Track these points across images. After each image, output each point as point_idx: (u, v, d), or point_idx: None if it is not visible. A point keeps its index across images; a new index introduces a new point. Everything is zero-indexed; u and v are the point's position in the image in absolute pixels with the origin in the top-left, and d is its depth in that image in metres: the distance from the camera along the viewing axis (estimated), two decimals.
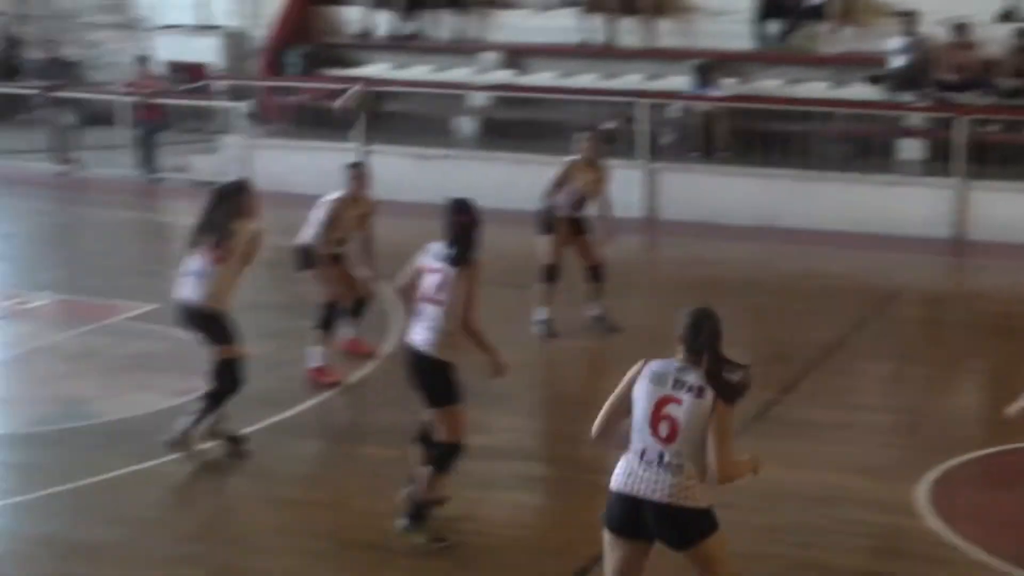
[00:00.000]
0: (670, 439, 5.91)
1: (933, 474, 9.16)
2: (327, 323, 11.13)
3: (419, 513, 7.89)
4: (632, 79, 19.90)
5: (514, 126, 19.21)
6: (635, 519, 6.01)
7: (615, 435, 6.17)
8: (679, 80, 19.28)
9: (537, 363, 11.83)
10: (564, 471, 9.29)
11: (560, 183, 12.54)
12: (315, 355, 11.01)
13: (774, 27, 19.71)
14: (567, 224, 12.51)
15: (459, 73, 20.82)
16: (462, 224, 7.83)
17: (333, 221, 11.07)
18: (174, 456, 9.18)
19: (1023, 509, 8.89)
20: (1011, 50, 17.92)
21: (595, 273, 12.60)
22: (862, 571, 7.93)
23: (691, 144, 18.68)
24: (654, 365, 6.03)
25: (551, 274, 12.42)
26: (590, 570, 7.60)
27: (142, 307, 13.05)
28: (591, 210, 12.65)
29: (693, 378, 5.92)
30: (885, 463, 9.52)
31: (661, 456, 5.92)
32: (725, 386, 5.92)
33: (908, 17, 18.32)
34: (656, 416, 5.92)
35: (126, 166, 20.16)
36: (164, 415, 9.76)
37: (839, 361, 12.05)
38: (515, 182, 18.10)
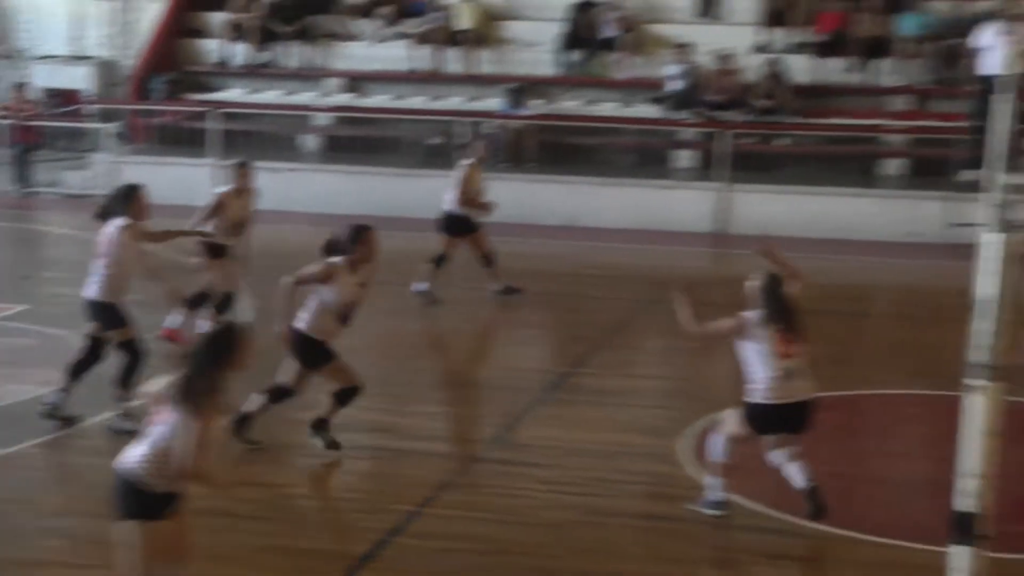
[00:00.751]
0: (157, 422, 5.44)
1: (694, 429, 9.34)
2: (196, 304, 10.92)
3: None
4: (455, 101, 19.97)
5: (353, 142, 19.12)
6: None
7: None
8: (494, 101, 19.39)
9: (365, 348, 11.82)
10: (385, 440, 9.29)
11: (464, 185, 12.96)
12: (175, 320, 10.85)
13: (575, 56, 19.90)
14: (466, 222, 13.04)
15: (305, 97, 20.65)
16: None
17: (220, 209, 10.90)
18: (40, 440, 8.89)
19: (760, 455, 9.18)
20: (764, 76, 18.38)
21: (488, 260, 13.15)
22: (639, 513, 8.01)
23: (504, 156, 18.79)
24: None
25: (441, 262, 13.01)
26: (403, 527, 7.61)
27: (14, 308, 12.59)
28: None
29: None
30: (658, 422, 9.68)
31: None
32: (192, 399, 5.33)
33: (683, 48, 18.69)
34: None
35: (3, 182, 19.54)
36: (32, 404, 9.36)
37: (623, 338, 12.25)
38: (353, 191, 18.10)
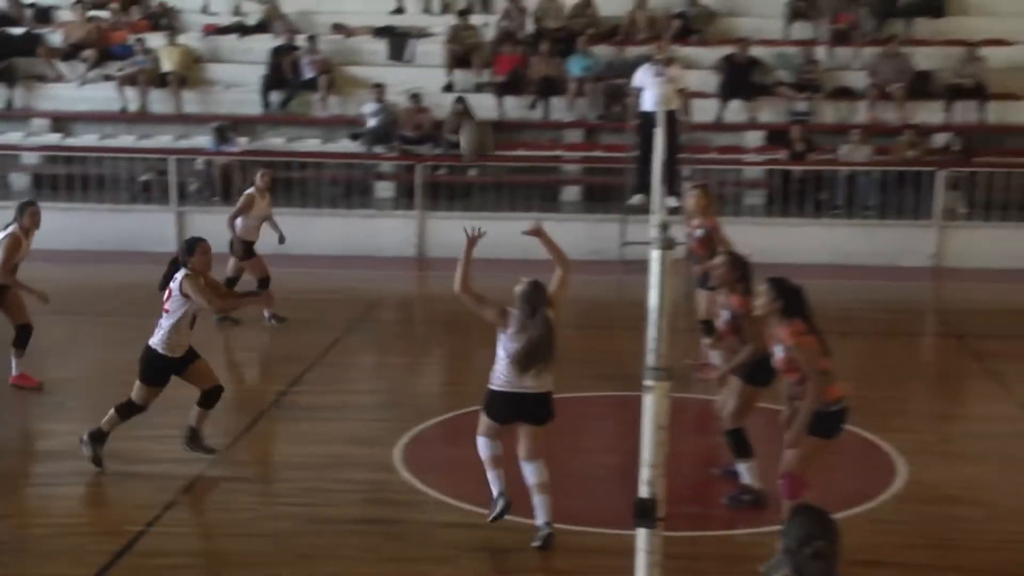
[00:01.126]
0: None
1: (406, 438, 9.43)
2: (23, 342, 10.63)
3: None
4: (164, 139, 19.40)
5: (68, 180, 18.30)
6: None
7: None
8: (202, 139, 18.95)
9: (86, 378, 11.38)
10: (111, 465, 8.93)
11: (243, 211, 12.84)
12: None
13: (277, 96, 19.68)
14: (251, 246, 13.02)
15: (12, 136, 19.60)
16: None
17: (11, 252, 10.24)
18: None
19: (468, 459, 9.33)
20: (452, 113, 18.67)
21: (265, 283, 12.87)
22: (358, 519, 8.00)
23: (213, 191, 18.39)
24: None
25: (262, 284, 12.80)
26: (130, 547, 7.39)
27: None
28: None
29: None
30: (372, 433, 9.69)
31: None
32: None
33: (378, 88, 18.79)
34: None
35: None
36: None
37: (335, 356, 12.17)
38: (68, 227, 17.30)
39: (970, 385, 11.76)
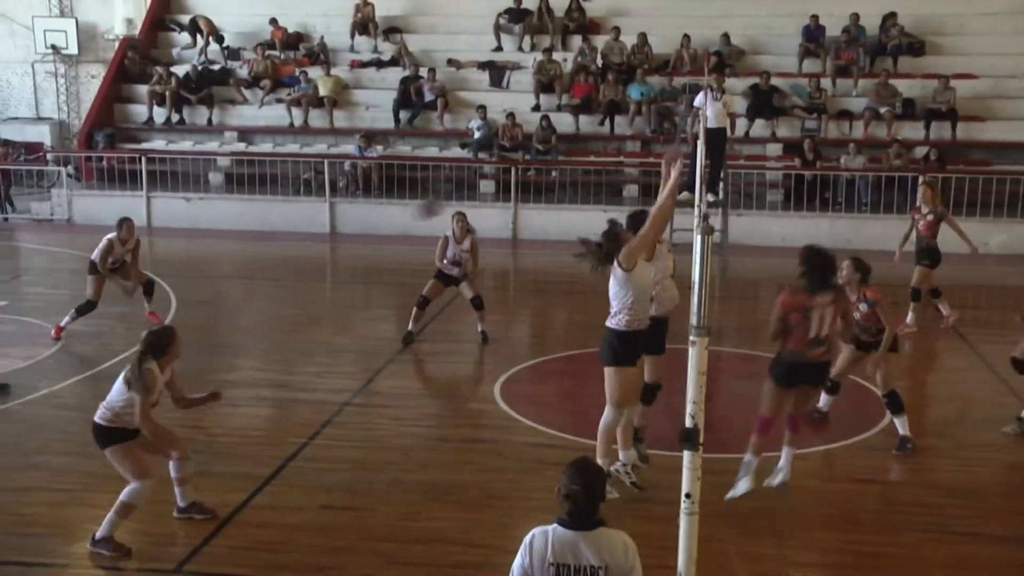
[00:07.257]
0: None
1: (503, 377, 9.41)
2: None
3: None
4: (320, 147, 19.56)
5: (247, 178, 18.54)
6: None
7: None
8: (350, 147, 19.05)
9: (261, 326, 11.47)
10: (281, 392, 9.00)
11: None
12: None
13: (405, 114, 19.70)
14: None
15: (210, 145, 19.92)
16: None
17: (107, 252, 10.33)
18: (23, 399, 8.35)
19: (554, 394, 9.33)
20: (540, 128, 18.53)
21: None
22: (464, 438, 7.95)
23: (357, 186, 18.50)
24: None
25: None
26: (296, 454, 7.42)
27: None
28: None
29: None
30: (476, 373, 9.76)
31: None
32: None
33: (482, 108, 18.72)
34: None
35: None
36: (14, 374, 8.85)
37: (448, 314, 11.97)
38: (248, 213, 17.66)
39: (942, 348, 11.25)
